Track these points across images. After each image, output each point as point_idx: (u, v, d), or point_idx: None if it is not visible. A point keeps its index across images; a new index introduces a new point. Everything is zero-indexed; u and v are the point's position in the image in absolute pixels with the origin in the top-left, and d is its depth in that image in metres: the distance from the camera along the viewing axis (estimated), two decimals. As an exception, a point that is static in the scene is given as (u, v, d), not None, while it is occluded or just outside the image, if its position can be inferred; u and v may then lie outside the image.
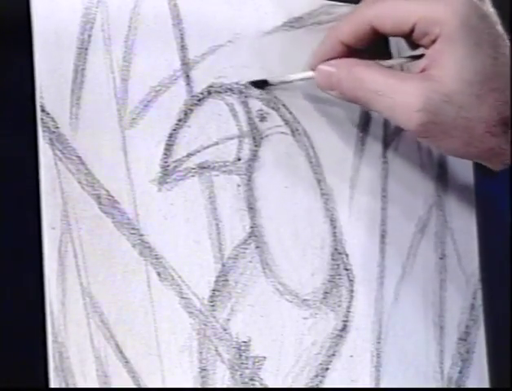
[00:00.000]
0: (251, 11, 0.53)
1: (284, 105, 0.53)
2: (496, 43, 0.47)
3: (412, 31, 0.48)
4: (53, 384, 0.45)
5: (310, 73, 0.52)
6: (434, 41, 0.47)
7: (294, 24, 0.55)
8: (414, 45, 0.50)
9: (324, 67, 0.50)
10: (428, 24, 0.47)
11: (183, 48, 0.51)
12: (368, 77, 0.48)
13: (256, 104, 0.53)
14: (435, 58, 0.47)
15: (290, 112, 0.53)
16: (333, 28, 0.51)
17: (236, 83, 0.52)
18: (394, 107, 0.47)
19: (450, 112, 0.46)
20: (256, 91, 0.53)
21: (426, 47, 0.48)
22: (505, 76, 0.46)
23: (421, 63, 0.48)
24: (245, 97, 0.52)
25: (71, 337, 0.46)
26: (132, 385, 0.47)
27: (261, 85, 0.52)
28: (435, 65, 0.46)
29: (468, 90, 0.46)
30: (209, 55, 0.52)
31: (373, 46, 0.51)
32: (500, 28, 0.47)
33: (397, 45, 0.55)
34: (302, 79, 0.52)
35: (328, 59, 0.51)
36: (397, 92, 0.47)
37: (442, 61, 0.46)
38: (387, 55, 0.52)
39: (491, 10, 0.48)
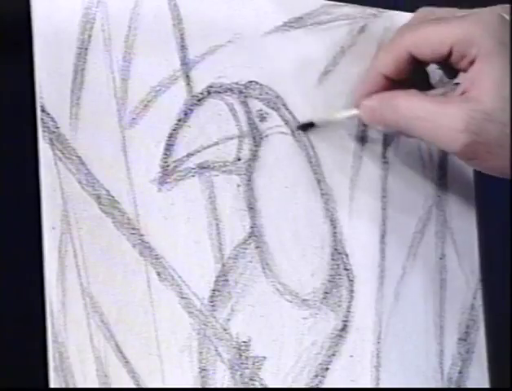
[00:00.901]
0: (251, 11, 0.53)
1: (284, 105, 0.53)
2: None
3: (449, 54, 0.48)
4: (53, 384, 0.45)
5: (355, 111, 0.52)
6: (471, 63, 0.47)
7: (294, 24, 0.55)
8: (451, 70, 0.50)
9: (366, 102, 0.51)
10: (465, 46, 0.47)
11: (183, 48, 0.51)
12: (408, 105, 0.48)
13: (256, 104, 0.53)
14: (474, 79, 0.47)
15: (290, 112, 0.53)
16: (373, 61, 0.51)
17: (236, 83, 0.52)
18: (437, 130, 0.47)
19: (493, 131, 0.46)
20: (256, 91, 0.53)
21: (465, 70, 0.48)
22: None
23: (461, 86, 0.48)
24: (245, 97, 0.52)
25: (71, 337, 0.46)
26: (132, 385, 0.47)
27: (308, 127, 0.53)
28: (475, 86, 0.46)
29: (508, 107, 0.46)
30: (209, 55, 0.52)
31: (414, 78, 0.51)
32: None
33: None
34: (347, 117, 0.53)
35: (371, 94, 0.51)
36: (439, 115, 0.47)
37: (481, 81, 0.46)
38: (428, 86, 0.52)
39: None
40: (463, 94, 0.47)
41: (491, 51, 0.46)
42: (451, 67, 0.50)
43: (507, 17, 0.47)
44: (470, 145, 0.46)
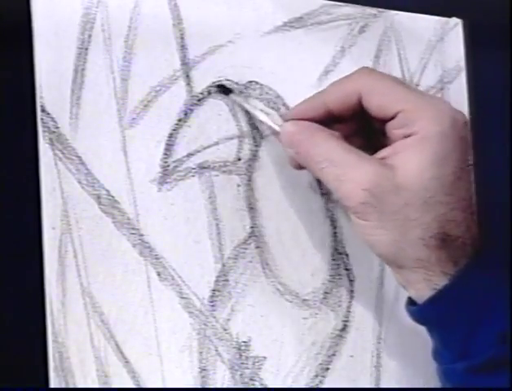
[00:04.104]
0: (251, 11, 0.53)
1: (284, 105, 0.53)
2: (463, 164, 0.46)
3: (392, 117, 0.47)
4: (53, 384, 0.45)
5: (277, 127, 0.50)
6: (406, 136, 0.46)
7: (294, 24, 0.55)
8: (378, 126, 0.48)
9: (289, 126, 0.49)
10: (411, 118, 0.46)
11: (183, 48, 0.51)
12: (326, 145, 0.47)
13: (256, 104, 0.53)
14: (400, 151, 0.46)
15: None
16: (323, 90, 0.50)
17: (236, 83, 0.52)
18: (342, 179, 0.46)
19: (393, 204, 0.45)
20: (256, 91, 0.53)
21: (394, 138, 0.47)
22: (460, 197, 0.45)
23: (384, 151, 0.47)
24: (245, 97, 0.52)
25: (71, 337, 0.46)
26: (132, 385, 0.47)
27: (225, 90, 0.52)
28: (398, 158, 0.45)
29: (419, 193, 0.44)
30: (209, 55, 0.52)
31: (360, 128, 0.50)
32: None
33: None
34: (267, 125, 0.51)
35: (305, 118, 0.49)
36: (351, 166, 0.46)
37: (405, 157, 0.45)
38: (371, 143, 0.50)
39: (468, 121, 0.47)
40: (383, 159, 0.46)
41: (430, 138, 0.45)
42: (380, 128, 0.48)
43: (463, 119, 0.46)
44: (365, 204, 0.45)
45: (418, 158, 0.45)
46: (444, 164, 0.45)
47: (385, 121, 0.47)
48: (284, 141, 0.49)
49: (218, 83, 0.52)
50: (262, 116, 0.51)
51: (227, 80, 0.52)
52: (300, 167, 0.50)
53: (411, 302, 0.48)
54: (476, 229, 0.46)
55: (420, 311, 0.47)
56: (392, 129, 0.47)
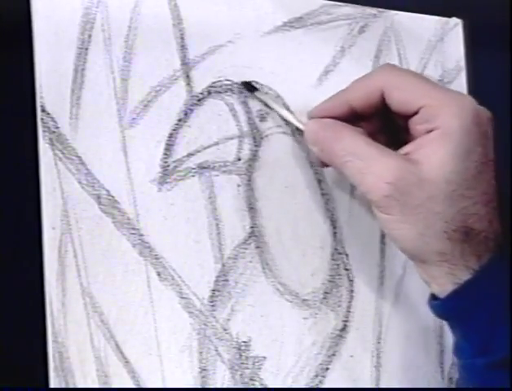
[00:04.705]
0: (251, 11, 0.53)
1: (284, 105, 0.53)
2: (485, 158, 0.46)
3: (415, 113, 0.47)
4: (53, 384, 0.45)
5: (301, 126, 0.51)
6: (428, 131, 0.46)
7: (294, 24, 0.55)
8: (401, 123, 0.49)
9: (313, 124, 0.50)
10: (433, 113, 0.46)
11: (183, 48, 0.51)
12: (352, 140, 0.47)
13: (256, 104, 0.53)
14: (423, 146, 0.46)
15: (291, 112, 0.53)
16: (345, 89, 0.50)
17: (236, 83, 0.52)
18: (365, 172, 0.46)
19: (416, 198, 0.45)
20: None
21: (417, 133, 0.47)
22: (482, 191, 0.46)
23: (407, 147, 0.47)
24: (245, 97, 0.52)
25: (71, 337, 0.46)
26: (132, 385, 0.47)
27: (251, 88, 0.52)
28: (421, 152, 0.46)
29: (442, 186, 0.45)
30: (209, 55, 0.52)
31: (383, 126, 0.50)
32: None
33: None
34: (294, 124, 0.52)
35: (329, 117, 0.50)
36: (374, 160, 0.46)
37: (428, 151, 0.45)
38: (395, 141, 0.50)
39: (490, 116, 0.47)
40: (406, 154, 0.46)
41: (453, 133, 0.45)
42: (403, 124, 0.48)
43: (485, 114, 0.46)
44: (389, 198, 0.45)
45: (440, 152, 0.45)
46: (466, 158, 0.45)
47: (408, 117, 0.48)
48: (308, 139, 0.50)
49: (243, 81, 0.52)
50: (287, 115, 0.52)
51: (227, 80, 0.52)
52: (325, 165, 0.50)
53: (433, 298, 0.48)
54: (498, 224, 0.47)
55: (442, 306, 0.47)
56: (415, 124, 0.47)
